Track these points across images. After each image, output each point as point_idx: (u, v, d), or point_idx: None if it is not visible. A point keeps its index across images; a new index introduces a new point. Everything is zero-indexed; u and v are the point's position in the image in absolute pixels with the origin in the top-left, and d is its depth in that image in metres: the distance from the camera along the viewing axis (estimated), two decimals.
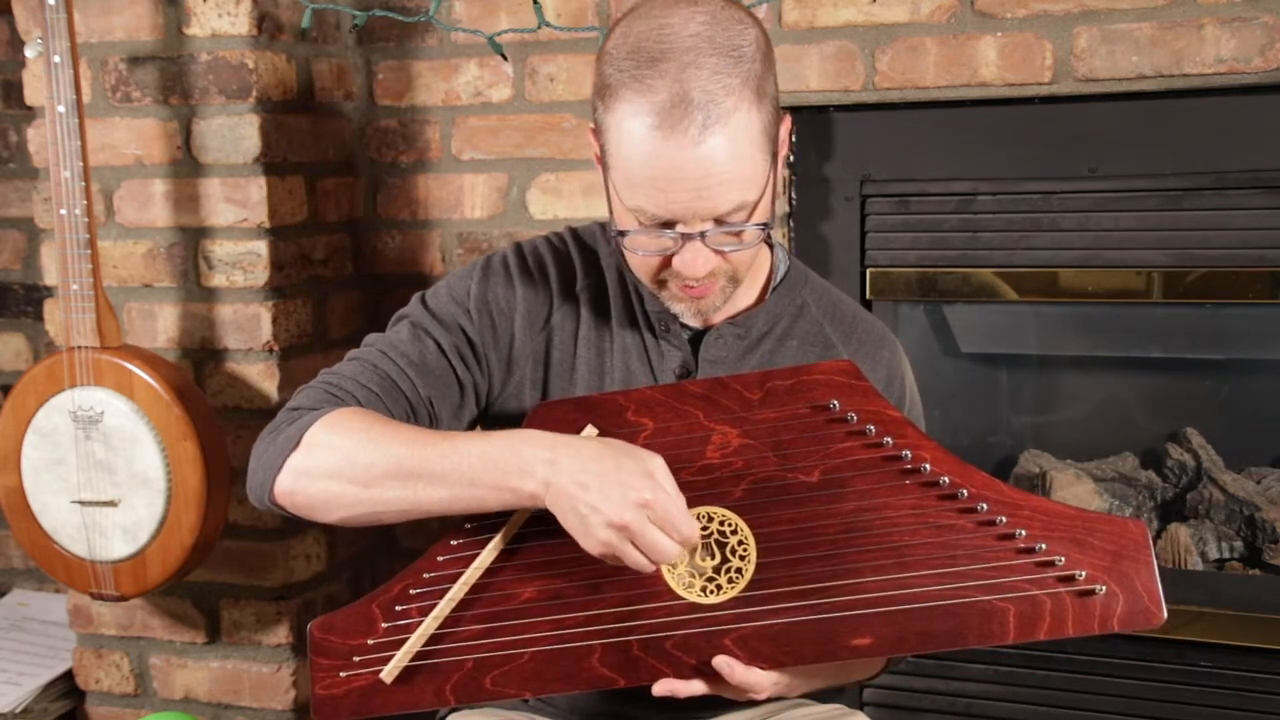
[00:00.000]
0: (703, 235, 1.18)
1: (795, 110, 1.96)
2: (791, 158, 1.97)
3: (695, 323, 1.34)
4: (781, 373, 1.21)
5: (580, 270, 1.37)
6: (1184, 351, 2.10)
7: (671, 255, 1.21)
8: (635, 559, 1.12)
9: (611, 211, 1.25)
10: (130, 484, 1.84)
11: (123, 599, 1.90)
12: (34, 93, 2.01)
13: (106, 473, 1.84)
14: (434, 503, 1.18)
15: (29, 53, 1.82)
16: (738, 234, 1.21)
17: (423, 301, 1.36)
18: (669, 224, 1.18)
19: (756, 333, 1.34)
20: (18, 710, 2.14)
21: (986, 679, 1.99)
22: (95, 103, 1.97)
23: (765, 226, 1.22)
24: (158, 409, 1.82)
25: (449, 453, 1.17)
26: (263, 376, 1.99)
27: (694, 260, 1.19)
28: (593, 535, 1.12)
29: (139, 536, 1.85)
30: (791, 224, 1.99)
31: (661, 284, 1.25)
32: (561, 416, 1.22)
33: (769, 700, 1.35)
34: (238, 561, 2.04)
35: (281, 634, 2.04)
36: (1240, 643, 1.85)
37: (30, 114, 2.15)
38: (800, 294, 1.38)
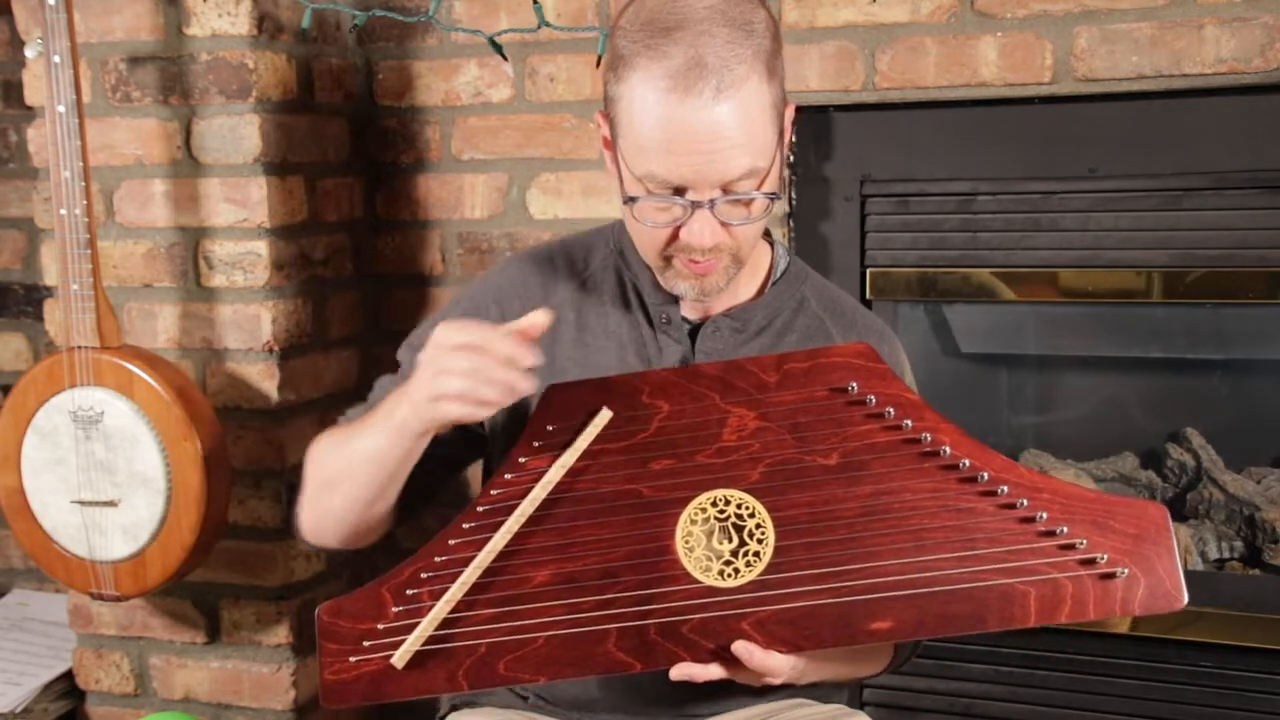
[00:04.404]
0: (711, 204, 1.19)
1: (795, 110, 1.95)
2: (791, 158, 1.97)
3: (694, 313, 1.34)
4: (798, 355, 1.21)
5: (575, 269, 1.38)
6: (1184, 351, 2.10)
7: (679, 227, 1.21)
8: (491, 390, 1.12)
9: (622, 184, 1.25)
10: (130, 484, 1.84)
11: (123, 599, 1.90)
12: (34, 93, 2.01)
13: (106, 473, 1.84)
14: (367, 479, 1.23)
15: (29, 53, 1.82)
16: (746, 204, 1.21)
17: (410, 342, 1.40)
18: (679, 192, 1.19)
19: (754, 326, 1.34)
20: (18, 710, 2.14)
21: (986, 679, 1.99)
22: (95, 103, 1.97)
23: (774, 196, 1.22)
24: (158, 409, 1.82)
25: (352, 436, 1.26)
26: (263, 376, 1.98)
27: (701, 230, 1.19)
28: (446, 390, 1.12)
29: (139, 536, 1.85)
30: (791, 224, 1.99)
31: (666, 262, 1.25)
32: (574, 398, 1.21)
33: (770, 700, 1.36)
34: (238, 561, 2.04)
35: (281, 634, 2.04)
36: (1240, 643, 1.85)
37: (30, 114, 2.15)
38: (800, 289, 1.38)
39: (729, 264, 1.25)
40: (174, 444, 1.82)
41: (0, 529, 2.62)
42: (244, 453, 2.00)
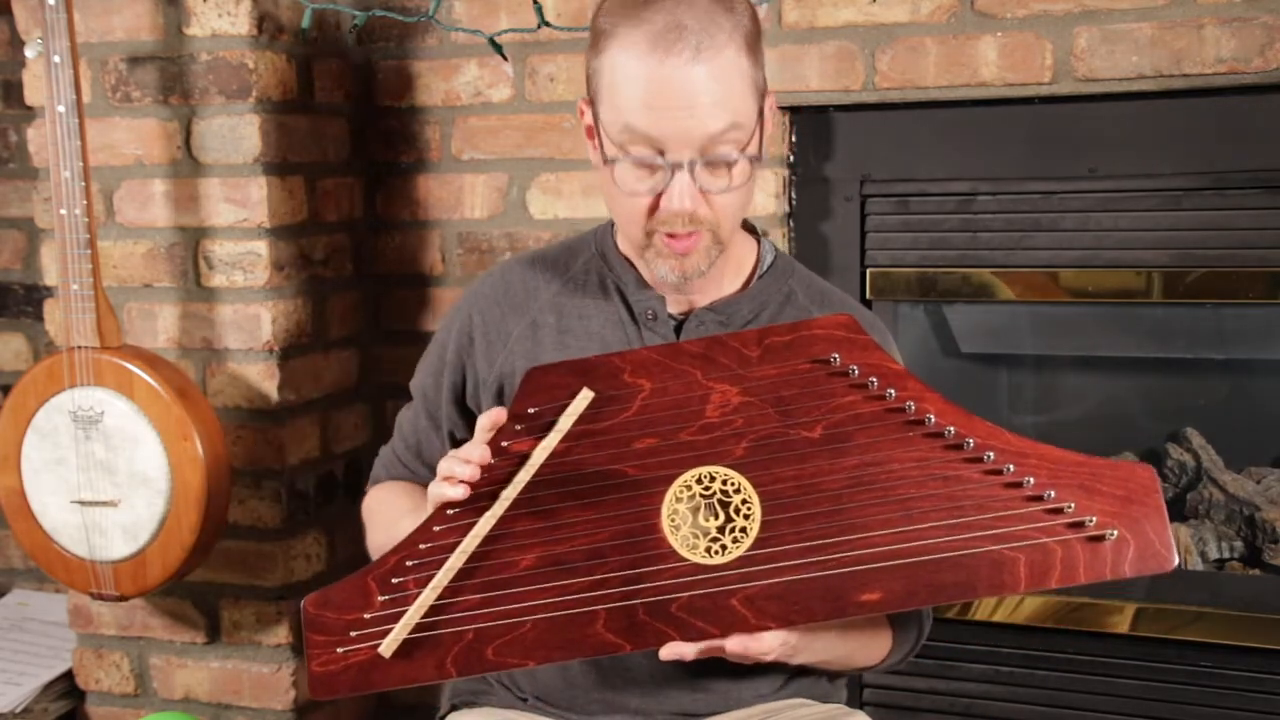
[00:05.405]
0: (691, 167, 1.19)
1: (795, 110, 1.96)
2: (791, 158, 1.97)
3: (678, 308, 1.33)
4: (780, 328, 1.20)
5: (557, 273, 1.39)
6: (1184, 351, 2.10)
7: (659, 197, 1.21)
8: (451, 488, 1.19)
9: (602, 149, 1.25)
10: (130, 484, 1.84)
11: (123, 599, 1.90)
12: (34, 93, 2.01)
13: (106, 473, 1.84)
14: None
15: (29, 53, 1.82)
16: (727, 169, 1.21)
17: (413, 383, 1.48)
18: (659, 154, 1.19)
19: (740, 319, 1.34)
20: (18, 710, 2.14)
21: (986, 679, 1.99)
22: (95, 103, 1.97)
23: (755, 158, 1.22)
24: (158, 409, 1.82)
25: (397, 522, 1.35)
26: (263, 376, 1.99)
27: (681, 195, 1.19)
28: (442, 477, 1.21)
29: (139, 536, 1.85)
30: (791, 224, 1.99)
31: (647, 240, 1.25)
32: (555, 381, 1.20)
33: (770, 700, 1.36)
34: (238, 561, 2.04)
35: (281, 634, 2.04)
36: (1240, 643, 1.85)
37: (30, 114, 2.15)
38: (787, 283, 1.38)
39: (709, 244, 1.25)
40: (174, 444, 1.82)
41: (0, 529, 2.62)
42: (244, 453, 2.00)
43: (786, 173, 1.97)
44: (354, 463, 2.18)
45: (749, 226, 1.39)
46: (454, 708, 1.42)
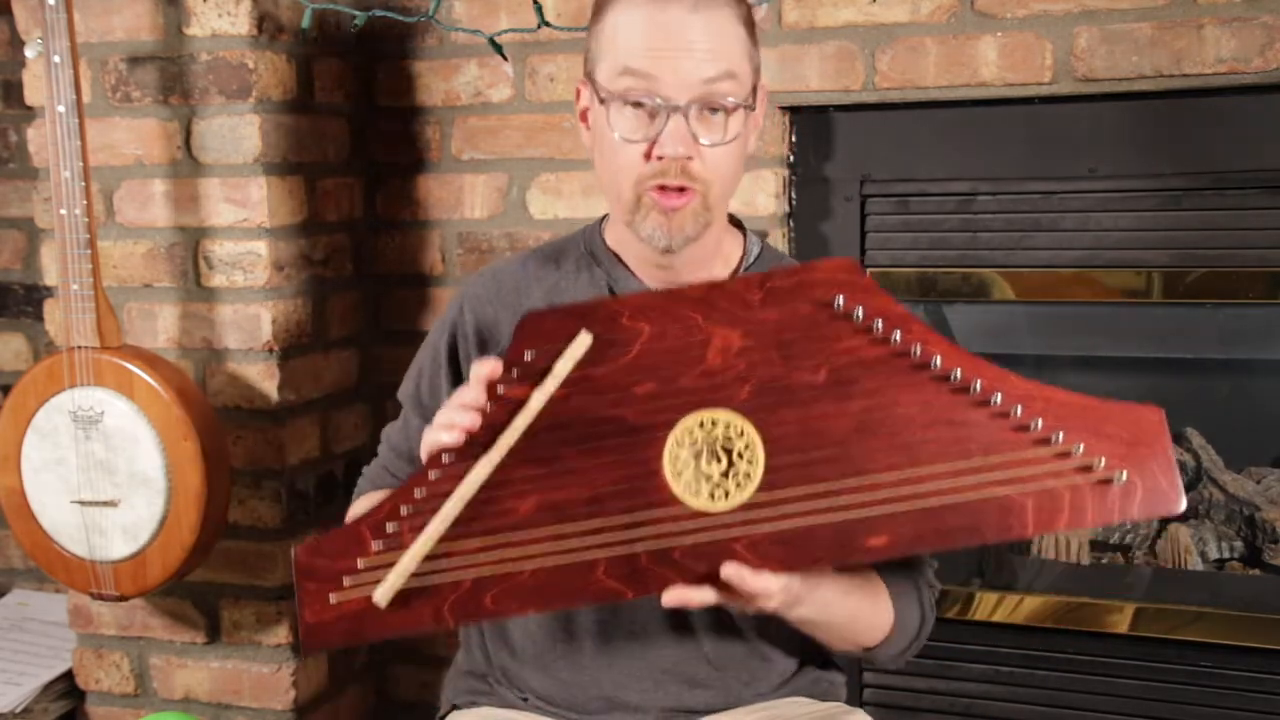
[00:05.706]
0: (686, 112, 1.20)
1: (795, 110, 1.96)
2: (791, 158, 1.97)
3: (661, 275, 1.33)
4: (781, 272, 1.17)
5: (548, 271, 1.39)
6: (1184, 351, 2.10)
7: (653, 148, 1.21)
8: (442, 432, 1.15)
9: (597, 92, 1.25)
10: (130, 484, 1.84)
11: (123, 599, 1.90)
12: (34, 93, 2.01)
13: (106, 473, 1.84)
14: None
15: (29, 53, 1.82)
16: (724, 116, 1.22)
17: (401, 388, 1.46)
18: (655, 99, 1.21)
19: None
20: (18, 710, 2.14)
21: (986, 679, 1.99)
22: (95, 103, 1.97)
23: (749, 107, 1.25)
24: (158, 409, 1.82)
25: None
26: (263, 376, 1.99)
27: (676, 139, 1.20)
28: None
29: (139, 536, 1.85)
30: (791, 224, 1.99)
31: (637, 199, 1.24)
32: (552, 326, 1.17)
33: (770, 699, 1.36)
34: (238, 561, 2.04)
35: (281, 634, 2.04)
36: (1240, 643, 1.85)
37: (30, 114, 2.15)
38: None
39: (699, 208, 1.24)
40: (174, 444, 1.82)
41: (0, 529, 2.62)
42: (244, 453, 2.00)
43: (786, 173, 1.97)
44: (354, 463, 2.18)
45: (735, 221, 1.39)
46: (454, 707, 1.42)
